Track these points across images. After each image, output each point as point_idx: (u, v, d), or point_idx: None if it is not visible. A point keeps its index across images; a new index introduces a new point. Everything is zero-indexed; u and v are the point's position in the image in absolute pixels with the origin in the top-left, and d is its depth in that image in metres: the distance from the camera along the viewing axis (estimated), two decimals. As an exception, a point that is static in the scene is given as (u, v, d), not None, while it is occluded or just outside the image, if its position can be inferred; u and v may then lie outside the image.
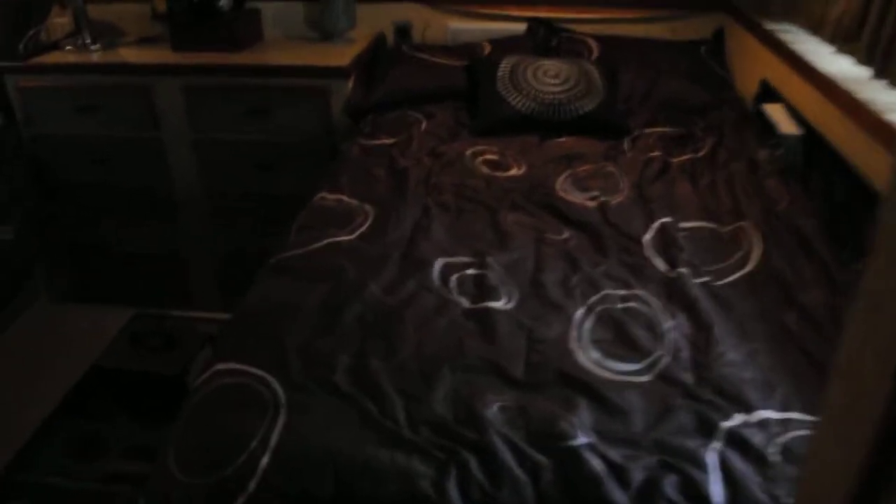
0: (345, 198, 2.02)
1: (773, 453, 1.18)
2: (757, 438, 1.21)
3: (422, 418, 1.27)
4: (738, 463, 1.17)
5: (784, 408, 1.28)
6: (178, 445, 1.28)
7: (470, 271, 1.68)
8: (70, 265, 3.14)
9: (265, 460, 1.21)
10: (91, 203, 3.00)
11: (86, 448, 2.38)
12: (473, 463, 1.19)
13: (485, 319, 1.51)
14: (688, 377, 1.35)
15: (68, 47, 2.96)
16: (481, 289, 1.61)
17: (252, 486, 1.19)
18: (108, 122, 2.83)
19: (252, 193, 2.86)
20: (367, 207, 1.97)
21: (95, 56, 2.89)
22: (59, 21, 3.16)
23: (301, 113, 2.72)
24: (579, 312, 1.53)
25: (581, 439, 1.20)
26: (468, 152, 2.28)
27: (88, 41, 2.96)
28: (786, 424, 1.24)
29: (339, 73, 2.67)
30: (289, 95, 2.70)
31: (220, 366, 1.40)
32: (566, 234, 1.85)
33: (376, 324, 1.50)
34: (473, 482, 1.17)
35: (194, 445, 1.27)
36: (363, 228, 1.88)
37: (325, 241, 1.80)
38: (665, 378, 1.35)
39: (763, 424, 1.24)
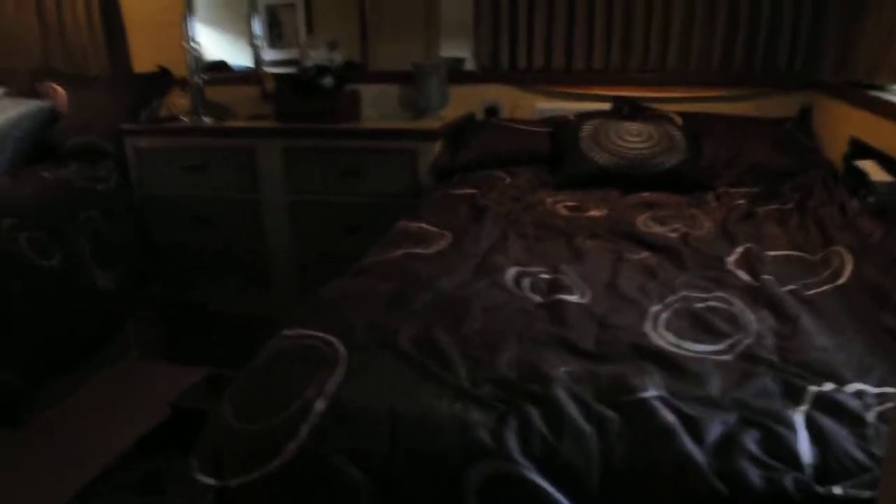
0: (425, 225, 2.06)
1: (869, 416, 1.07)
2: (852, 403, 1.10)
3: (484, 376, 1.22)
4: (829, 423, 1.06)
5: (881, 383, 1.16)
6: (235, 395, 1.27)
7: (544, 276, 1.66)
8: (163, 323, 3.26)
9: (319, 405, 1.18)
10: (189, 263, 3.16)
11: (146, 488, 2.36)
12: (535, 414, 1.12)
13: (556, 309, 1.47)
14: (773, 357, 1.26)
15: (184, 119, 3.24)
16: (554, 287, 1.58)
17: (304, 431, 1.16)
18: (213, 183, 3.04)
19: (340, 256, 2.92)
20: (447, 233, 1.99)
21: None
22: (180, 101, 3.48)
23: (390, 174, 2.83)
24: (655, 307, 1.47)
25: (651, 391, 1.12)
26: (549, 199, 2.31)
27: (203, 116, 3.23)
28: (883, 397, 1.13)
29: (428, 135, 2.80)
30: (379, 157, 2.83)
31: (286, 331, 1.41)
32: (645, 254, 1.81)
33: (445, 307, 1.48)
34: (534, 432, 1.10)
35: (250, 394, 1.26)
36: (441, 246, 1.90)
37: (402, 252, 1.83)
38: (747, 357, 1.26)
39: (858, 394, 1.13)
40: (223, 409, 1.25)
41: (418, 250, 1.85)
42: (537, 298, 1.54)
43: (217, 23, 3.69)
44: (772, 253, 1.79)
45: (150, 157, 3.10)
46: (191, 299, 3.22)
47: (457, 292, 1.56)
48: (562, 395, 1.14)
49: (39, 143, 3.18)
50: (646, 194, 2.38)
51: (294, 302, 3.06)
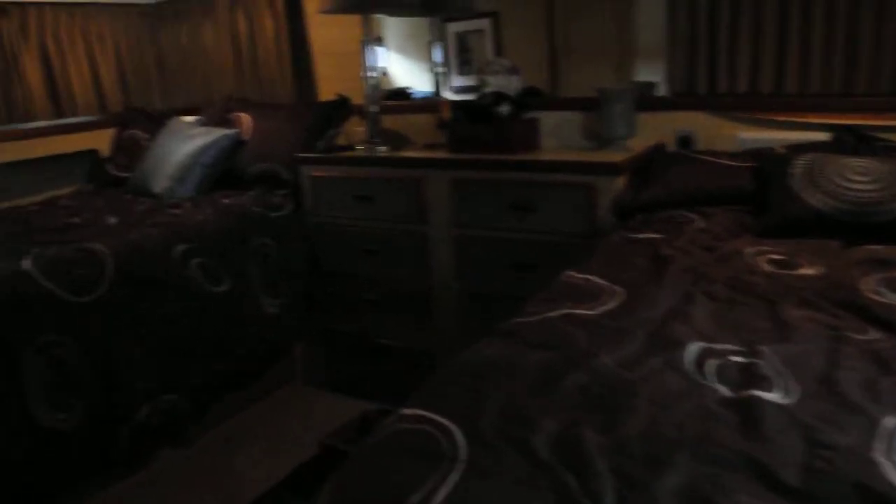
0: (593, 278, 1.77)
1: None
2: None
3: (639, 507, 0.93)
4: None
5: None
6: (334, 488, 1.07)
7: (735, 358, 1.32)
8: (326, 351, 3.23)
9: (424, 519, 0.95)
10: (354, 292, 3.09)
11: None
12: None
13: (748, 410, 1.13)
14: None
15: (359, 148, 3.18)
16: (748, 377, 1.24)
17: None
18: (381, 213, 2.94)
19: (506, 295, 2.71)
20: (618, 289, 1.69)
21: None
22: (358, 129, 3.45)
23: (564, 211, 2.56)
24: (890, 420, 1.09)
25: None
26: (748, 250, 1.93)
27: (378, 144, 3.15)
28: None
29: (609, 169, 2.50)
30: (554, 192, 2.57)
31: (406, 411, 1.19)
32: (873, 335, 1.40)
33: (601, 395, 1.20)
34: None
35: (349, 490, 1.05)
36: (608, 306, 1.60)
37: (561, 312, 1.56)
38: None
39: None
40: (321, 499, 1.06)
41: (581, 311, 1.56)
42: (725, 391, 1.20)
43: (406, 51, 3.67)
44: None
45: (323, 185, 3.07)
46: (354, 329, 3.15)
47: (620, 373, 1.27)
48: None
49: (227, 170, 3.27)
50: (875, 247, 1.91)
51: (455, 339, 2.89)
